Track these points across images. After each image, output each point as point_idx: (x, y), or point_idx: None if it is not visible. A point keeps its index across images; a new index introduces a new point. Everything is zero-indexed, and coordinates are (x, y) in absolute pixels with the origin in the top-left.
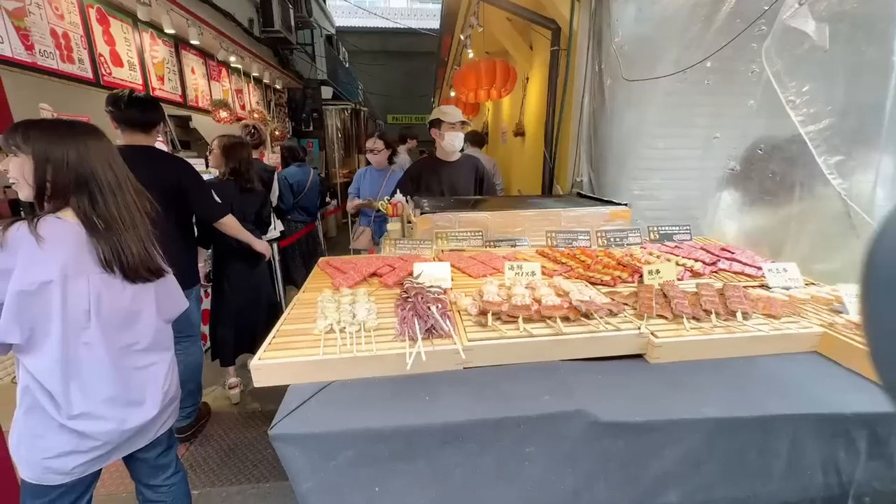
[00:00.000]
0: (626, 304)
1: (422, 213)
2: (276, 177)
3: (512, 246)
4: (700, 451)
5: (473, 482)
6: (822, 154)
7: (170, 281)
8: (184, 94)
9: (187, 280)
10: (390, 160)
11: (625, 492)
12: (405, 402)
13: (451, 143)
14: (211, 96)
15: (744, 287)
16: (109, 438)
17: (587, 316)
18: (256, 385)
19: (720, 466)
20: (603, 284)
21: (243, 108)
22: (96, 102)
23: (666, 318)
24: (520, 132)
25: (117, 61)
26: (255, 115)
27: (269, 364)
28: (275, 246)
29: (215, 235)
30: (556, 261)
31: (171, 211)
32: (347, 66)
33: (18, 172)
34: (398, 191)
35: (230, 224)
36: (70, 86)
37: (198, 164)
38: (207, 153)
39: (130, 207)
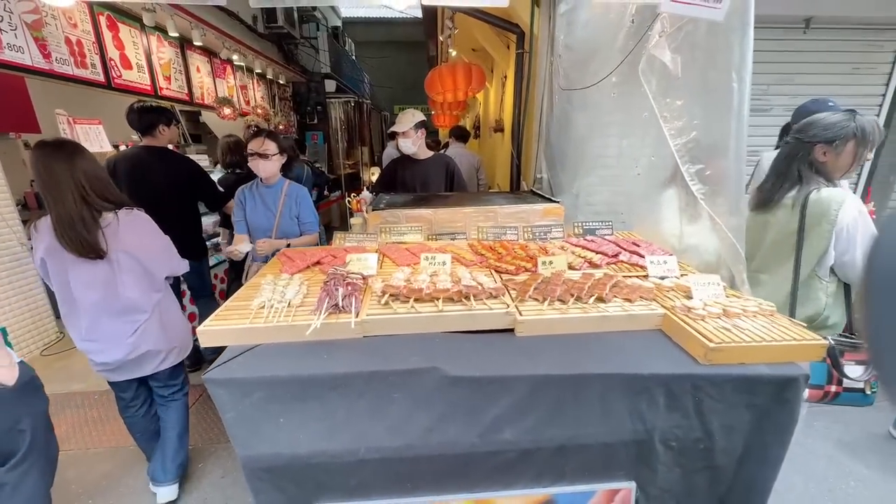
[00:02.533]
0: (514, 289)
1: (373, 210)
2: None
3: (452, 239)
4: (528, 400)
5: (352, 419)
6: (685, 163)
7: (126, 263)
8: (190, 92)
9: (197, 252)
10: (287, 170)
11: (469, 430)
12: (308, 359)
13: (402, 147)
14: (216, 93)
15: (628, 276)
16: (104, 367)
17: (467, 297)
18: (203, 346)
19: (545, 412)
20: (507, 273)
21: (248, 103)
22: (108, 104)
23: (538, 300)
24: (499, 128)
25: (127, 64)
26: (259, 111)
27: (211, 330)
28: None
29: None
30: (477, 252)
31: (181, 199)
32: (353, 58)
33: None
34: (366, 188)
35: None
36: (84, 90)
37: (201, 158)
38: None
39: (68, 206)
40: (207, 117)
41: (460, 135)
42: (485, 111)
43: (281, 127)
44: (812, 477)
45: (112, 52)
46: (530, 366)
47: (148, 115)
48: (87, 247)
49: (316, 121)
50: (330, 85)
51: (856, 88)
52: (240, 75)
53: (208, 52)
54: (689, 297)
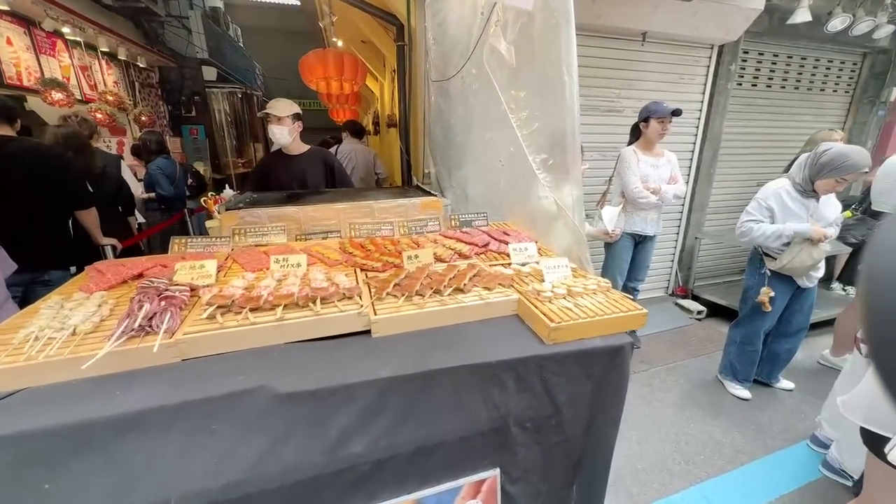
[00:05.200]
0: (375, 286)
1: (227, 210)
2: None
3: (324, 238)
4: (376, 406)
5: (156, 465)
6: (532, 153)
7: None
8: None
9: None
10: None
11: (311, 449)
12: (90, 400)
13: (276, 135)
14: (42, 74)
15: (494, 265)
16: None
17: (314, 301)
18: None
19: (396, 416)
20: (373, 270)
21: (94, 87)
22: None
23: (397, 296)
24: (392, 123)
25: None
26: (110, 97)
27: None
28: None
29: None
30: (345, 251)
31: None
32: (240, 44)
33: None
34: (227, 187)
35: None
36: None
37: None
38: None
39: None
40: (37, 104)
41: (355, 130)
42: (381, 106)
43: (144, 118)
44: (662, 423)
45: None
46: (377, 369)
47: None
48: None
49: (194, 113)
50: (210, 73)
51: (683, 95)
52: (79, 53)
53: (25, 21)
54: (543, 281)
